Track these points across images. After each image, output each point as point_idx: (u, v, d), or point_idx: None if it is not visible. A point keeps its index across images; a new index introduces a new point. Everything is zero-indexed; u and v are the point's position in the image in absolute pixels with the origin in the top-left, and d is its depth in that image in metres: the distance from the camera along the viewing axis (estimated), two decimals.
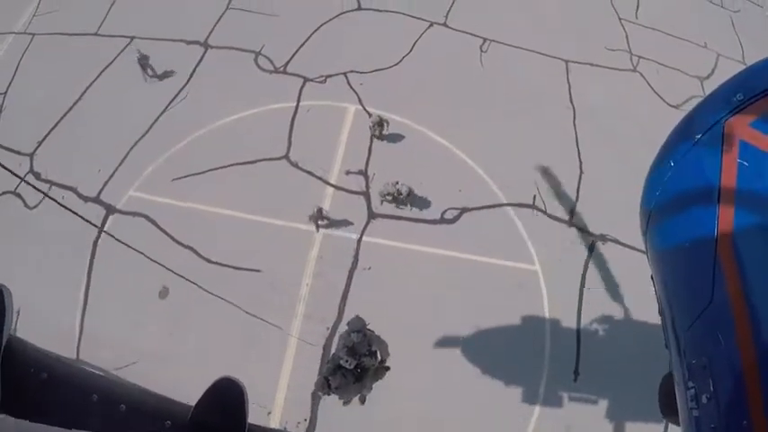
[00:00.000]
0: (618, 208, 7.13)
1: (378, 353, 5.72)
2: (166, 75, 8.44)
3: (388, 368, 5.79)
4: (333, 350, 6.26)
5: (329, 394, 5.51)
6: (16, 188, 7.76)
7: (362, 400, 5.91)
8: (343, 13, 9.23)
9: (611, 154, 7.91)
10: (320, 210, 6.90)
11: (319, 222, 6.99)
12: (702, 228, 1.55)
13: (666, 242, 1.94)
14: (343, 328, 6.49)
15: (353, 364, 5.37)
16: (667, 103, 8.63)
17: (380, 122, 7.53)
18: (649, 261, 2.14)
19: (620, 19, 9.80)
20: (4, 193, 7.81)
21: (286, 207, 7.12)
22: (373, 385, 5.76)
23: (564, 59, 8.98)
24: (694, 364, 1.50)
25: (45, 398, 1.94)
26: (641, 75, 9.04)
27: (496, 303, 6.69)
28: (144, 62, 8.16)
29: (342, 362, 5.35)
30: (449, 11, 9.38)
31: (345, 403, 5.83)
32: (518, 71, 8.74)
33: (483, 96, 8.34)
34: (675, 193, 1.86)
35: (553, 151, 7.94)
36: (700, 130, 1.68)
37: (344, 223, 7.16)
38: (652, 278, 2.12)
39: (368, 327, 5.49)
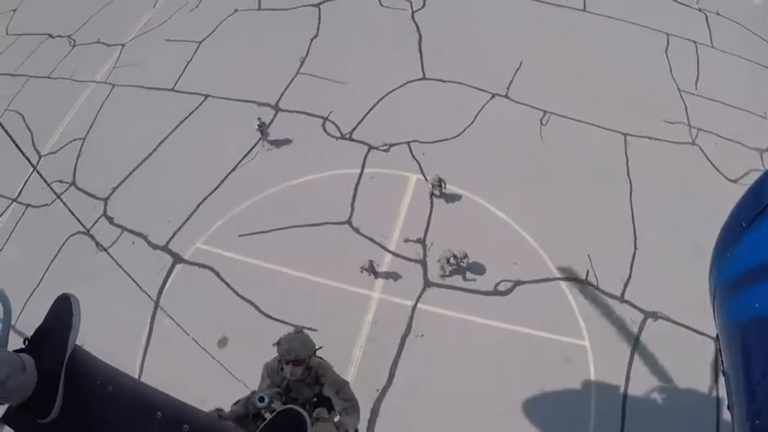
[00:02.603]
0: (671, 285, 7.53)
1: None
2: (283, 143, 9.16)
3: None
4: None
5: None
6: (89, 230, 8.51)
7: None
8: (409, 82, 9.93)
9: (666, 230, 8.12)
10: (371, 262, 7.56)
11: (369, 272, 7.66)
12: None
13: (738, 315, 2.00)
14: (392, 391, 6.87)
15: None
16: (726, 177, 8.81)
17: (440, 182, 8.16)
18: (718, 327, 2.18)
19: (679, 91, 10.06)
20: (77, 233, 8.57)
21: (345, 271, 7.66)
22: None
23: (622, 132, 9.31)
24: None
25: (109, 411, 1.96)
26: (700, 148, 9.21)
27: (544, 376, 6.93)
28: (263, 129, 8.93)
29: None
30: (510, 82, 9.95)
31: None
32: (576, 145, 9.12)
33: (541, 170, 8.75)
34: (748, 264, 1.96)
35: (608, 226, 8.22)
36: None
37: (400, 289, 7.63)
38: (717, 339, 2.18)
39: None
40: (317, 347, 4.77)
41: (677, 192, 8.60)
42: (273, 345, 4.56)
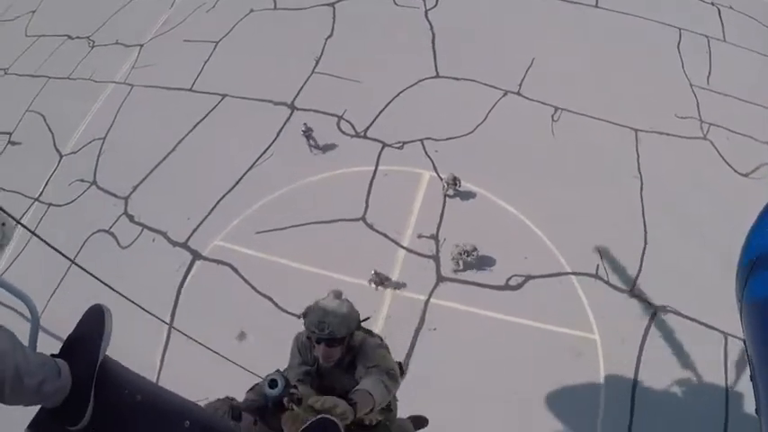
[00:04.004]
0: (681, 279, 7.74)
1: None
2: (328, 147, 9.35)
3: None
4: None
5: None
6: (110, 228, 8.92)
7: None
8: (422, 80, 10.17)
9: (676, 224, 8.25)
10: (377, 273, 7.70)
11: (377, 284, 7.79)
12: None
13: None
14: (408, 385, 7.08)
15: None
16: (737, 172, 8.89)
17: (454, 181, 8.37)
18: (745, 320, 2.26)
19: (691, 85, 10.15)
20: (98, 231, 8.99)
21: (359, 266, 7.87)
22: None
23: (633, 128, 9.42)
24: None
25: (137, 420, 2.01)
26: (711, 142, 9.30)
27: (554, 370, 7.10)
28: (308, 134, 9.10)
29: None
30: (523, 79, 10.13)
31: None
32: (587, 141, 9.28)
33: (552, 166, 8.93)
34: None
35: (619, 221, 8.35)
36: None
37: (413, 284, 7.86)
38: (744, 343, 2.25)
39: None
40: (362, 318, 3.60)
41: (688, 186, 8.70)
42: (299, 316, 3.55)
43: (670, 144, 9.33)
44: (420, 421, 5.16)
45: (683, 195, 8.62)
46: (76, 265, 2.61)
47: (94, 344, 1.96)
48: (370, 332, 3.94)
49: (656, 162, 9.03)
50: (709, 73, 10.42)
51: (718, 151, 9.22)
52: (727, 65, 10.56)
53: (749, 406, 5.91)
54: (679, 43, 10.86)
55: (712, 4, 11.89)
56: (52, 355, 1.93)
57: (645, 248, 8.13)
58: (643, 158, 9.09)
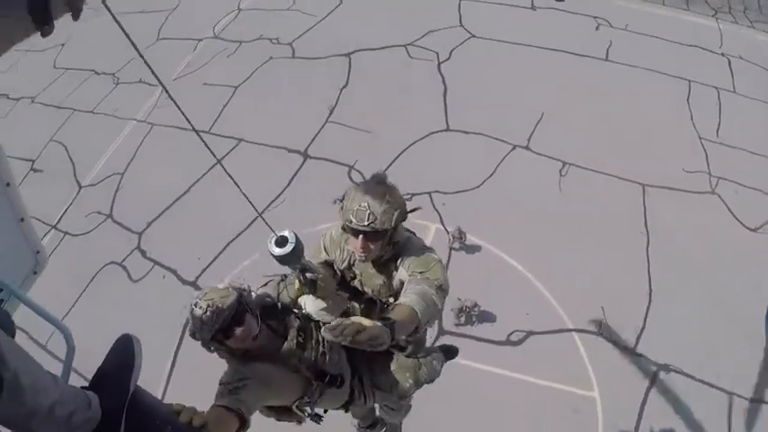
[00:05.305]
0: (685, 337, 7.83)
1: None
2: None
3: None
4: None
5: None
6: (122, 261, 9.20)
7: None
8: (433, 133, 10.50)
9: (682, 282, 8.28)
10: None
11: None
12: None
13: None
14: None
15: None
16: (745, 227, 8.96)
17: (460, 234, 8.59)
18: None
19: (700, 138, 10.31)
20: (111, 263, 9.26)
21: None
22: None
23: (641, 183, 9.57)
24: None
25: None
26: (719, 197, 9.38)
27: (552, 427, 7.11)
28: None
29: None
30: (531, 134, 10.42)
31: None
32: (595, 196, 9.45)
33: (558, 221, 9.07)
34: None
35: (623, 277, 8.43)
36: None
37: None
38: None
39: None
40: (409, 209, 3.16)
41: (695, 242, 8.77)
42: (335, 201, 3.16)
43: (678, 199, 9.42)
44: (451, 352, 5.02)
45: (690, 252, 8.66)
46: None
47: (125, 376, 1.98)
48: (412, 232, 3.56)
49: (664, 217, 9.12)
50: (719, 125, 10.58)
51: (726, 205, 9.29)
52: (737, 116, 10.74)
53: None
54: (689, 96, 11.11)
55: (722, 54, 12.20)
56: (82, 388, 1.95)
57: (649, 306, 8.15)
58: (650, 213, 9.19)
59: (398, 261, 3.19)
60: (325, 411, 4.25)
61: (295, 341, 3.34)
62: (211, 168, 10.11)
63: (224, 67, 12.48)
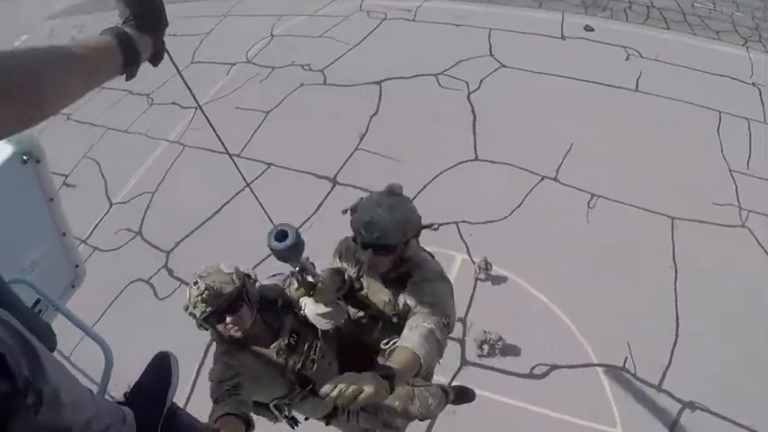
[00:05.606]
0: (712, 375, 7.64)
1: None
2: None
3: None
4: None
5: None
6: (149, 278, 9.35)
7: None
8: (461, 162, 10.55)
9: (710, 318, 8.13)
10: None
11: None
12: None
13: None
14: None
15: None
16: None
17: (486, 265, 8.56)
18: None
19: (730, 171, 10.18)
20: (138, 279, 9.43)
21: None
22: None
23: (670, 216, 9.45)
24: None
25: None
26: (749, 230, 9.23)
27: None
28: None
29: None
30: (560, 165, 10.39)
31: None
32: (623, 229, 9.33)
33: (586, 254, 8.99)
34: None
35: (651, 313, 8.30)
36: None
37: (438, 367, 7.88)
38: None
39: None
40: (423, 225, 3.06)
41: (724, 277, 8.61)
42: (345, 212, 3.11)
43: (707, 232, 9.27)
44: (466, 395, 4.81)
45: (719, 287, 8.51)
46: None
47: (161, 393, 1.98)
48: (429, 253, 3.39)
49: (692, 251, 8.97)
50: (750, 156, 10.46)
51: (756, 239, 9.14)
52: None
53: None
54: (719, 126, 11.00)
55: (753, 84, 12.08)
56: (118, 403, 1.94)
57: (676, 342, 8.01)
58: (678, 248, 9.06)
59: (408, 281, 3.10)
60: (306, 419, 4.23)
61: (286, 341, 3.32)
62: (240, 191, 10.25)
63: (256, 91, 12.73)
